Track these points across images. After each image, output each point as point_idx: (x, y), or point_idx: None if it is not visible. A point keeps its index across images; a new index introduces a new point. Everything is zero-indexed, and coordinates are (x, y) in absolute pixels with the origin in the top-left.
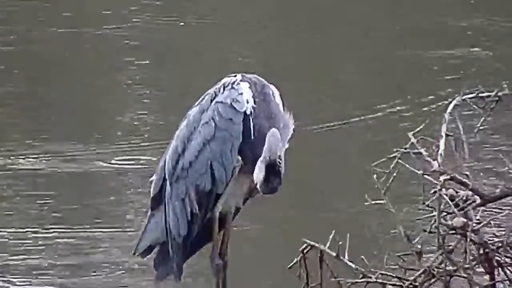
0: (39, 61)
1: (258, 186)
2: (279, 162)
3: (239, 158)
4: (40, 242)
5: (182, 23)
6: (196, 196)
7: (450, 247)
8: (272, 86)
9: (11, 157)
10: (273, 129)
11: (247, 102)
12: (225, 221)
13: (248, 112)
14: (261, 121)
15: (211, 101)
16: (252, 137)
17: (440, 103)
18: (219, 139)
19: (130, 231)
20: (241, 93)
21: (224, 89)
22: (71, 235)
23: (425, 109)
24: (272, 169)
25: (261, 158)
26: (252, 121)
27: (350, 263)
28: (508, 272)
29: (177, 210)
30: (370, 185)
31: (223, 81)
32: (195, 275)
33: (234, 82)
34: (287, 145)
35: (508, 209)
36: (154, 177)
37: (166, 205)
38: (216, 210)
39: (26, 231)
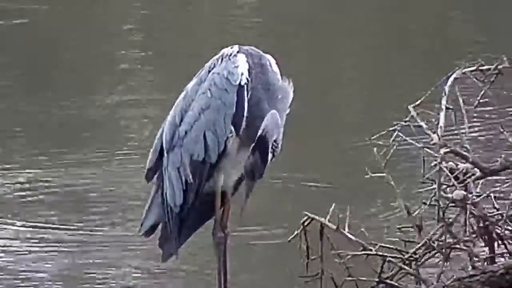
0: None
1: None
2: (273, 144)
3: (232, 128)
4: None
5: None
6: (190, 166)
7: (450, 220)
8: (268, 56)
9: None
10: (273, 111)
11: (242, 75)
12: (225, 194)
13: (242, 84)
14: (259, 94)
15: (209, 72)
16: (246, 108)
17: None
18: (213, 108)
19: None
20: (237, 66)
21: (222, 60)
22: None
23: None
24: (261, 145)
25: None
26: (247, 93)
27: (350, 236)
28: (508, 244)
29: (173, 179)
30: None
31: (221, 52)
32: (197, 249)
33: (231, 54)
34: (288, 110)
35: (508, 182)
36: (151, 149)
37: (163, 175)
38: (219, 183)
39: None
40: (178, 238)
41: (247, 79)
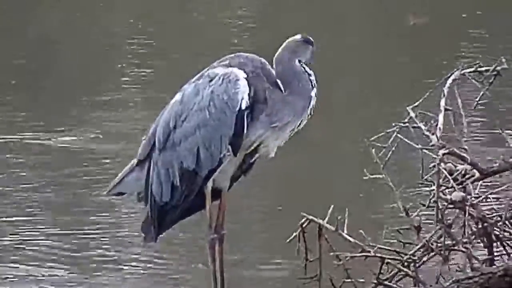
0: None
1: None
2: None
3: (230, 148)
4: None
5: None
6: (180, 171)
7: (449, 222)
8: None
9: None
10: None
11: (242, 99)
12: (220, 192)
13: (243, 108)
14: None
15: (209, 82)
16: (245, 131)
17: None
18: (210, 127)
19: None
20: (237, 92)
21: (222, 81)
22: None
23: None
24: None
25: None
26: (246, 117)
27: (349, 238)
28: (506, 246)
29: (162, 176)
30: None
31: (223, 72)
32: (193, 247)
33: (233, 79)
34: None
35: (507, 183)
36: (144, 140)
37: (151, 167)
38: (208, 185)
39: None
40: (157, 228)
41: (247, 102)
